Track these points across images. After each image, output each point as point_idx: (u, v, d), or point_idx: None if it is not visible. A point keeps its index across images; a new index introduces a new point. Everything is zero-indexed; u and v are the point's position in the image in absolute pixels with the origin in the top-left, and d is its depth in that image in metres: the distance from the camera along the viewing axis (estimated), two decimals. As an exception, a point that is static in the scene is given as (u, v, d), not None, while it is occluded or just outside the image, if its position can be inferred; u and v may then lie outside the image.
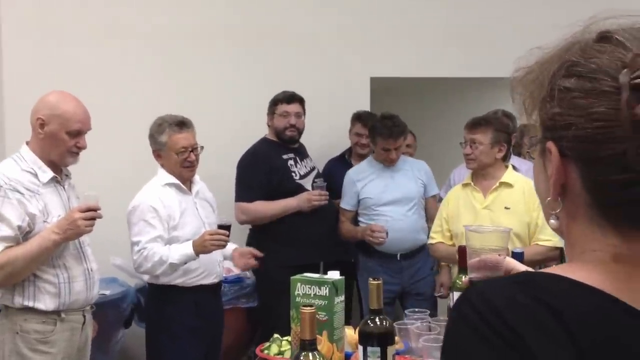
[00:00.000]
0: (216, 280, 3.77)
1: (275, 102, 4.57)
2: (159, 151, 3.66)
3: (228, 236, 3.55)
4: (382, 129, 4.47)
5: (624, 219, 0.87)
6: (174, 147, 3.61)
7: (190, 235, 3.59)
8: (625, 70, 0.84)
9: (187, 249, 3.49)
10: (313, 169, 4.69)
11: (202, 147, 3.70)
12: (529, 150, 4.48)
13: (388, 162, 4.55)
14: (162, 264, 3.47)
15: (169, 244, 3.54)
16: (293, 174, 4.50)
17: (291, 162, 4.54)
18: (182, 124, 3.64)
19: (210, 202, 3.88)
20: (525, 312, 0.81)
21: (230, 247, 3.84)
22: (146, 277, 3.76)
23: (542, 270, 0.93)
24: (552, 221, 0.96)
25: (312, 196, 4.40)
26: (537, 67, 0.95)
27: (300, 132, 4.60)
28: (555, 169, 0.91)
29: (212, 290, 3.77)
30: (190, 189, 3.72)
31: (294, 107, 4.54)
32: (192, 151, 3.64)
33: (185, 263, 3.53)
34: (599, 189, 0.87)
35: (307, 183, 4.53)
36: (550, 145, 0.91)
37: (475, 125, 3.85)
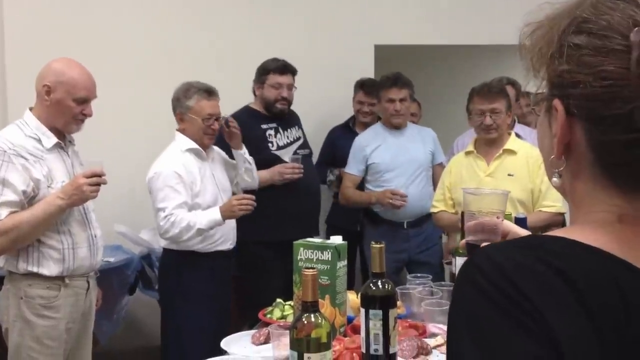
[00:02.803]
0: (231, 247, 3.80)
1: (266, 71, 4.28)
2: (183, 115, 3.66)
3: (255, 200, 3.58)
4: (386, 81, 4.48)
5: (627, 180, 0.87)
6: (201, 112, 3.64)
7: (210, 202, 3.61)
8: (637, 29, 0.82)
9: (215, 214, 3.51)
10: (298, 139, 4.43)
11: (223, 117, 3.75)
12: (534, 108, 4.38)
13: (395, 118, 4.49)
14: (189, 229, 3.48)
15: (192, 210, 3.54)
16: (270, 145, 4.27)
17: (270, 132, 4.30)
18: (211, 92, 3.68)
19: (226, 160, 3.90)
20: (532, 274, 0.81)
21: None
22: (163, 243, 3.73)
23: (547, 233, 0.92)
24: (554, 179, 0.95)
25: (284, 169, 4.21)
26: (546, 22, 0.92)
27: (290, 104, 4.36)
28: (561, 127, 0.89)
29: (227, 256, 3.80)
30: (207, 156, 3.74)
31: (286, 79, 4.28)
32: (216, 119, 3.68)
33: (212, 229, 3.55)
34: (604, 148, 0.86)
35: (286, 154, 4.29)
36: (557, 103, 0.89)
37: (493, 94, 3.78)
